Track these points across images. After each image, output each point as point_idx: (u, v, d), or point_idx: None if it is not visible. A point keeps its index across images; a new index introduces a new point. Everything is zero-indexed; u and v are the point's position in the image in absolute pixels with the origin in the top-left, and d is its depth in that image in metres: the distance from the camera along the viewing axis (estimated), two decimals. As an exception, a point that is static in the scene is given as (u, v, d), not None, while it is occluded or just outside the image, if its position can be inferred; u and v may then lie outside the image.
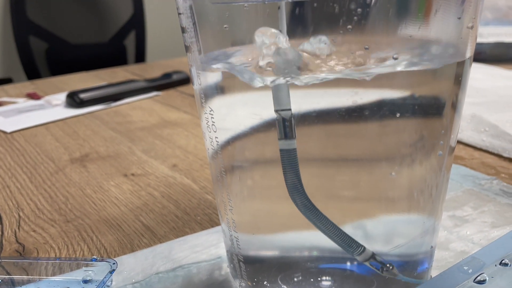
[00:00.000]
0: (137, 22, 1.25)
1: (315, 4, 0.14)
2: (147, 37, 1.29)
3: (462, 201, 0.29)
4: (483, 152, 0.36)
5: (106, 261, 0.23)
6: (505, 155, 0.35)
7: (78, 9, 1.23)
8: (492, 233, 0.25)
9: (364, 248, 0.16)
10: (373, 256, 0.17)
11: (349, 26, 0.14)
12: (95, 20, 1.23)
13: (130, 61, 1.26)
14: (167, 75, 0.67)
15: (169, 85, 0.65)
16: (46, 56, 1.21)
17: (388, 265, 0.17)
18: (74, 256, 0.26)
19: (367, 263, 0.17)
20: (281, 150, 0.15)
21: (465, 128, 0.39)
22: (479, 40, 0.66)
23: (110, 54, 1.23)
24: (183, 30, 0.18)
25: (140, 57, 1.28)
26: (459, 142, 0.38)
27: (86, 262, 0.23)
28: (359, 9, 0.13)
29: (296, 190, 0.16)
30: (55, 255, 0.26)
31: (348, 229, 0.18)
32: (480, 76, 0.56)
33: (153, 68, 0.80)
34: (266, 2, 0.14)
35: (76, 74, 0.79)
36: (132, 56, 1.27)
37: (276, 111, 0.15)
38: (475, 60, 0.66)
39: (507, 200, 0.29)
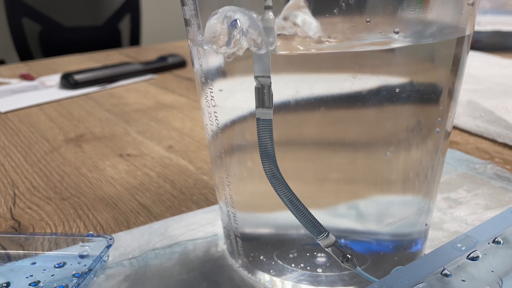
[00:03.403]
0: (132, 5, 1.24)
1: (318, -25, 0.13)
2: (142, 21, 1.28)
3: (456, 184, 0.29)
4: (478, 138, 0.36)
5: (103, 237, 0.23)
6: (500, 140, 0.35)
7: (72, -9, 1.21)
8: (485, 215, 0.25)
9: (328, 233, 0.16)
10: (335, 243, 0.17)
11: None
12: (89, 2, 1.22)
13: (124, 44, 1.25)
14: (162, 58, 0.67)
15: (164, 68, 0.65)
16: (39, 39, 1.19)
17: (348, 255, 0.17)
18: (70, 232, 0.26)
19: (328, 250, 0.17)
20: (257, 119, 0.15)
21: (461, 113, 0.39)
22: (476, 28, 0.66)
23: (104, 37, 1.22)
24: (183, 3, 0.18)
25: (135, 41, 1.26)
26: (455, 127, 0.39)
27: (82, 237, 0.23)
28: (362, -19, 0.13)
29: (268, 158, 0.15)
30: (51, 231, 0.26)
31: (345, 207, 0.19)
32: (477, 64, 0.56)
33: (148, 52, 0.80)
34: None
35: (70, 56, 0.78)
36: (127, 40, 1.25)
37: (255, 77, 0.15)
38: (472, 49, 0.66)
39: (501, 184, 0.29)
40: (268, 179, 0.16)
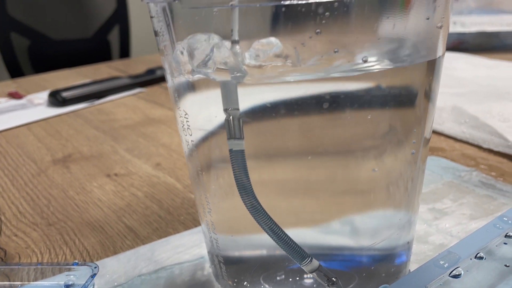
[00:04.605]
0: (120, 16, 1.23)
1: (283, 9, 0.14)
2: (131, 32, 1.28)
3: (442, 194, 0.29)
4: (464, 144, 0.37)
5: (87, 265, 0.23)
6: (485, 146, 0.35)
7: (59, 4, 1.21)
8: (471, 225, 0.26)
9: (311, 258, 0.16)
10: (319, 267, 0.17)
11: (318, 30, 0.14)
12: (78, 15, 1.21)
13: (114, 56, 1.25)
14: (151, 71, 0.67)
15: (153, 81, 0.65)
16: (29, 53, 1.19)
17: (333, 278, 0.17)
18: (56, 260, 0.25)
19: (313, 274, 0.17)
20: (230, 151, 0.15)
21: (446, 119, 0.39)
22: (462, 30, 0.67)
23: (94, 50, 1.22)
24: (156, 33, 0.18)
25: (125, 52, 1.26)
26: (440, 134, 0.39)
27: (68, 266, 0.23)
28: (327, 13, 0.13)
29: (245, 191, 0.15)
30: (37, 260, 0.25)
31: (327, 225, 0.19)
32: (462, 66, 0.56)
33: (137, 64, 0.80)
34: (234, 8, 0.14)
35: (58, 72, 0.78)
36: (117, 51, 1.25)
37: (224, 110, 0.15)
38: (458, 50, 0.67)
39: (486, 192, 0.29)
40: (248, 210, 0.16)
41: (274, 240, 0.16)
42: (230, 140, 0.15)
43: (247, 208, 0.16)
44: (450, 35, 0.68)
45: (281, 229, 0.16)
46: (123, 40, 1.25)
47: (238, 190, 0.15)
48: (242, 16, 0.14)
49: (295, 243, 0.17)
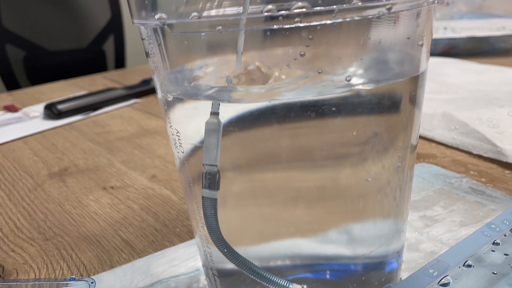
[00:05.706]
0: (115, 26, 1.24)
1: (268, 33, 0.14)
2: (126, 41, 1.28)
3: (433, 201, 0.30)
4: (454, 150, 0.37)
5: (84, 280, 0.23)
6: (475, 152, 0.36)
7: (54, 15, 1.21)
8: (461, 232, 0.26)
9: (291, 284, 0.17)
10: None
11: (302, 52, 0.14)
12: (73, 25, 1.22)
13: (110, 65, 1.25)
14: (145, 82, 0.67)
15: (148, 92, 0.65)
16: (24, 64, 1.19)
17: None
18: (54, 275, 0.26)
19: None
20: (203, 198, 0.16)
21: (437, 126, 0.40)
22: (452, 35, 0.68)
23: (89, 60, 1.22)
24: (147, 54, 0.18)
25: (120, 62, 1.27)
26: (431, 140, 0.39)
27: (65, 282, 0.23)
28: (310, 36, 0.14)
29: (216, 235, 0.17)
30: (35, 276, 0.26)
31: (311, 237, 0.19)
32: (453, 72, 0.57)
33: (132, 74, 0.80)
34: (221, 32, 0.14)
35: (54, 83, 0.78)
36: (112, 61, 1.26)
37: (203, 164, 0.16)
38: (449, 55, 0.68)
39: (476, 198, 0.30)
40: (217, 248, 0.17)
41: (249, 274, 0.17)
42: (204, 189, 0.16)
43: (216, 246, 0.17)
44: (441, 41, 0.68)
45: (256, 265, 0.17)
46: (118, 50, 1.26)
47: (207, 230, 0.17)
48: (231, 39, 0.15)
49: (270, 274, 0.18)
